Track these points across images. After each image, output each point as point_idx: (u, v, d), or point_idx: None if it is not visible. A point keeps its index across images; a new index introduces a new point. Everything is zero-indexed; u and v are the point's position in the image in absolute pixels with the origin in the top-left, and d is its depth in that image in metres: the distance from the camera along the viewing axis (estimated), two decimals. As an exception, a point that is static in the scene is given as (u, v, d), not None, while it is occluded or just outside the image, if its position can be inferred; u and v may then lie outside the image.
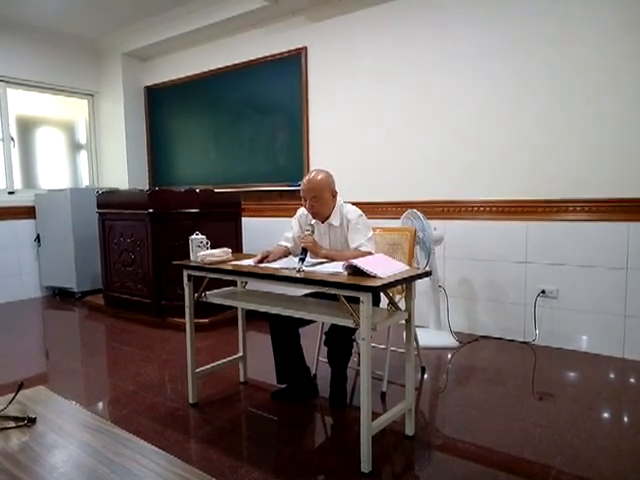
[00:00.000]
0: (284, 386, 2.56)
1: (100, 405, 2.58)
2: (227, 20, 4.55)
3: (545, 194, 3.25)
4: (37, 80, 5.26)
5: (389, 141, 3.93)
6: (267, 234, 4.44)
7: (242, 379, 2.77)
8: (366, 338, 1.79)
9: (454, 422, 2.26)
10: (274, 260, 2.33)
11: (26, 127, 5.36)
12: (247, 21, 4.57)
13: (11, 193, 5.17)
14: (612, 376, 2.83)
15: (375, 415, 1.93)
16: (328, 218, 2.46)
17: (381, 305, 2.33)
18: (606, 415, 2.37)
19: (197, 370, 2.51)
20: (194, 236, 2.45)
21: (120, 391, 2.69)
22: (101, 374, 3.03)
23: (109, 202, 4.43)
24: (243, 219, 4.42)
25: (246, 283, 2.58)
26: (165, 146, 5.68)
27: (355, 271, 1.91)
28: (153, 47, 5.32)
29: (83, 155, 5.92)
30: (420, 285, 3.22)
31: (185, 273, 2.41)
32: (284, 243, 2.51)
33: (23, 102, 5.29)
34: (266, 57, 4.61)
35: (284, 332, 2.44)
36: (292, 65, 4.44)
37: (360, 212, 2.43)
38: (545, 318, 3.31)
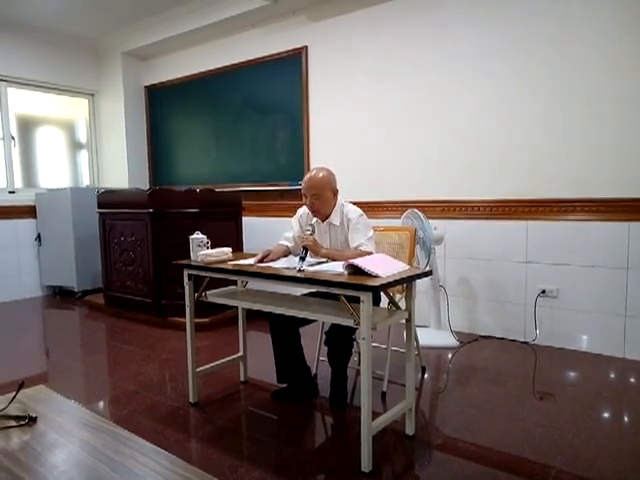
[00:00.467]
0: (284, 386, 2.56)
1: (101, 404, 2.58)
2: (227, 20, 4.55)
3: (545, 194, 3.25)
4: (37, 80, 5.27)
5: (389, 140, 3.93)
6: (267, 233, 4.45)
7: (242, 378, 2.77)
8: (366, 338, 1.79)
9: (454, 422, 2.26)
10: (274, 259, 2.33)
11: (26, 126, 5.37)
12: (247, 20, 4.58)
13: (12, 192, 5.17)
14: (613, 376, 2.83)
15: (375, 415, 1.93)
16: (329, 217, 2.46)
17: (381, 305, 2.33)
18: (606, 415, 2.37)
19: (197, 369, 2.51)
20: (194, 235, 2.45)
21: (120, 390, 2.69)
22: (101, 373, 3.03)
23: (109, 201, 4.43)
24: (243, 218, 4.42)
25: (246, 283, 2.57)
26: (165, 145, 5.68)
27: (355, 270, 1.91)
28: (153, 46, 5.32)
29: (83, 154, 5.92)
30: (420, 285, 3.21)
31: (185, 272, 2.41)
32: (284, 242, 2.51)
33: (23, 101, 5.29)
34: (266, 57, 4.61)
35: (284, 331, 2.44)
36: (292, 65, 4.44)
37: (361, 212, 2.43)
38: (545, 318, 3.31)
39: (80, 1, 4.53)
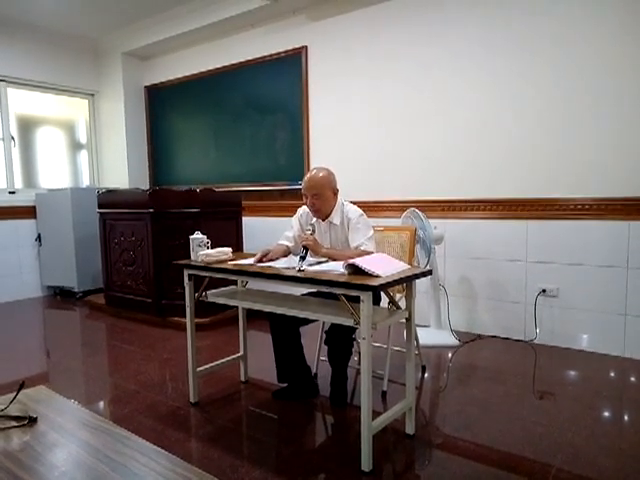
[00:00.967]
0: (285, 385, 2.57)
1: (101, 404, 2.59)
2: (227, 19, 4.55)
3: (546, 193, 3.25)
4: (37, 80, 5.27)
5: (389, 140, 3.93)
6: (268, 233, 4.45)
7: (243, 378, 2.77)
8: (366, 337, 1.80)
9: (454, 421, 2.26)
10: (274, 259, 2.33)
11: (27, 127, 5.37)
12: (247, 20, 4.57)
13: (12, 193, 5.17)
14: (612, 375, 2.83)
15: (376, 414, 1.93)
16: (329, 216, 2.46)
17: (381, 304, 2.33)
18: (606, 414, 2.37)
19: (198, 369, 2.51)
20: (194, 235, 2.46)
21: (121, 390, 2.70)
22: (102, 373, 3.03)
23: (110, 202, 4.43)
24: (244, 218, 4.43)
25: (247, 282, 2.58)
26: (165, 145, 5.68)
27: (355, 270, 1.91)
28: (153, 46, 5.32)
29: (83, 155, 5.92)
30: (420, 284, 3.22)
31: (186, 272, 2.41)
32: (284, 242, 2.51)
33: (23, 102, 5.29)
34: (266, 56, 4.61)
35: (285, 331, 2.45)
36: (292, 64, 4.44)
37: (361, 212, 2.43)
38: (545, 317, 3.31)
39: (80, 1, 4.53)
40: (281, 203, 4.61)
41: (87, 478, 0.98)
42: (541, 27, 3.19)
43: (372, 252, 2.28)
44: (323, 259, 2.29)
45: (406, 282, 2.05)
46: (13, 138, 5.19)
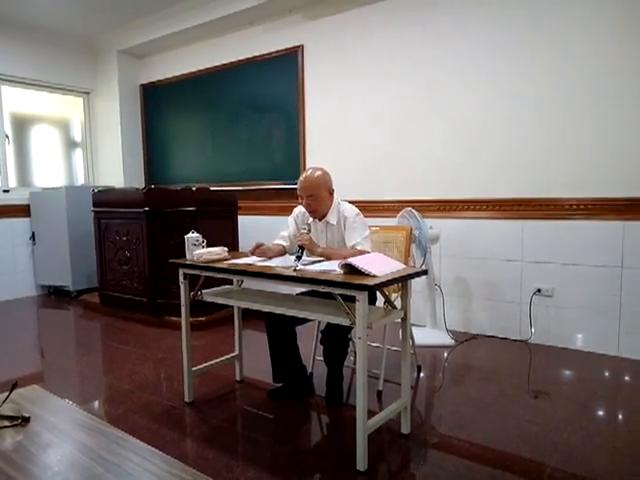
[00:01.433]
0: (280, 385, 2.56)
1: (95, 404, 2.57)
2: (223, 18, 4.54)
3: (541, 193, 3.26)
4: (32, 78, 5.23)
5: (386, 139, 3.93)
6: (263, 232, 4.42)
7: (238, 378, 2.77)
8: (362, 337, 1.79)
9: (450, 420, 2.27)
10: (270, 257, 2.33)
11: (21, 125, 5.33)
12: (244, 19, 4.56)
13: (6, 191, 5.14)
14: (607, 374, 2.84)
15: (371, 413, 1.93)
16: (325, 216, 2.45)
17: (377, 304, 2.33)
18: (601, 413, 2.38)
19: (193, 369, 2.50)
20: (190, 234, 2.45)
21: (116, 390, 2.68)
22: (96, 373, 3.02)
23: (105, 200, 4.41)
24: (240, 217, 4.41)
25: (242, 282, 2.57)
26: (161, 144, 5.66)
27: (351, 269, 1.91)
28: (149, 45, 5.30)
29: (78, 153, 5.89)
30: (416, 284, 3.23)
31: (181, 271, 2.41)
32: (280, 242, 2.51)
33: (18, 100, 5.26)
34: (263, 55, 4.60)
35: (281, 331, 2.44)
36: (288, 63, 4.44)
37: (357, 211, 2.43)
38: (541, 316, 3.32)
39: (75, -1, 4.50)
40: (277, 202, 4.60)
41: (81, 478, 0.98)
42: (541, 27, 3.19)
43: (368, 251, 2.28)
44: (319, 258, 2.29)
45: (402, 282, 2.05)
46: (7, 136, 5.15)
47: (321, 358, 2.51)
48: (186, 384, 2.47)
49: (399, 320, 2.10)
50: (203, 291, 2.43)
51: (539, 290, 3.30)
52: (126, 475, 0.97)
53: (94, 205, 4.48)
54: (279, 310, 2.10)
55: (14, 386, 1.29)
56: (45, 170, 5.54)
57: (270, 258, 2.35)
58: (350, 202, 2.53)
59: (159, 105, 5.62)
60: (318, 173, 2.42)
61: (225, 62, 4.89)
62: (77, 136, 5.86)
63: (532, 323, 3.33)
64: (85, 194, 4.71)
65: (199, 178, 5.15)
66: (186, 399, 2.47)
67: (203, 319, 3.76)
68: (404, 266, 2.15)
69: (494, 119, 3.42)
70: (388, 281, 1.87)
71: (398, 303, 2.14)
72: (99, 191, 4.54)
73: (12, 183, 5.23)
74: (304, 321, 2.36)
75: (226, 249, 2.45)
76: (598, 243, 3.08)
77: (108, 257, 4.42)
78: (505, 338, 3.44)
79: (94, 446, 1.07)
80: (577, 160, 3.13)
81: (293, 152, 4.51)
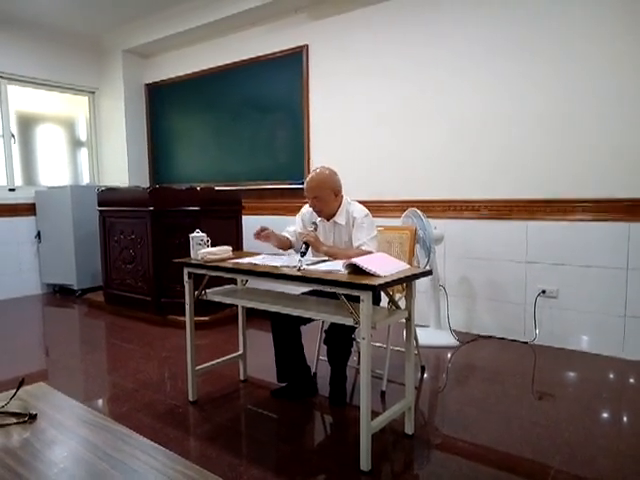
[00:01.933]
0: (284, 384, 2.56)
1: (100, 402, 2.58)
2: (228, 18, 4.55)
3: (546, 194, 3.25)
4: (38, 77, 5.26)
5: (390, 140, 3.93)
6: (267, 232, 4.45)
7: (242, 377, 2.77)
8: (366, 337, 1.79)
9: (453, 421, 2.26)
10: (274, 244, 2.44)
11: (27, 124, 5.36)
12: (249, 19, 4.57)
13: (12, 190, 5.17)
14: (611, 376, 2.83)
15: (375, 414, 1.93)
16: (334, 216, 2.46)
17: (381, 304, 2.33)
18: (605, 415, 2.37)
19: (197, 368, 2.51)
20: (194, 234, 2.45)
21: (120, 388, 2.69)
22: (101, 371, 3.03)
23: (110, 199, 4.43)
24: (244, 217, 4.42)
25: (246, 281, 2.58)
26: (166, 144, 5.67)
27: (355, 269, 1.91)
28: (154, 44, 5.32)
29: (84, 152, 5.92)
30: (420, 284, 3.21)
31: (185, 271, 2.41)
32: (286, 234, 2.53)
33: (24, 99, 5.28)
34: (267, 55, 4.61)
35: (286, 330, 2.44)
36: (293, 63, 4.44)
37: (367, 212, 2.43)
38: (545, 318, 3.31)
39: (81, -1, 4.52)
40: (281, 202, 4.61)
41: (86, 475, 0.98)
42: (542, 27, 3.19)
43: (372, 252, 2.28)
44: (324, 257, 2.29)
45: (406, 282, 2.05)
46: (13, 135, 5.18)
47: (325, 358, 2.51)
48: (190, 383, 2.47)
49: (403, 320, 2.10)
50: (207, 290, 2.43)
51: (544, 291, 3.29)
52: (131, 472, 0.97)
53: (99, 204, 4.49)
54: (284, 310, 2.10)
55: (21, 383, 1.30)
56: (50, 169, 5.57)
57: (274, 245, 2.43)
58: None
59: (164, 104, 5.63)
60: (323, 174, 2.42)
61: (230, 62, 4.90)
62: (82, 135, 5.89)
63: (536, 324, 3.32)
64: (90, 193, 4.73)
65: (204, 178, 5.16)
66: (190, 398, 2.48)
67: (207, 318, 3.77)
68: (408, 266, 2.15)
69: (497, 119, 3.41)
70: (392, 281, 1.86)
71: (402, 303, 2.14)
72: (104, 190, 4.56)
73: (18, 182, 5.26)
74: (308, 321, 2.37)
75: (230, 248, 2.46)
76: (603, 244, 3.07)
77: (113, 256, 4.44)
78: (509, 339, 3.43)
79: (100, 443, 1.07)
80: (581, 160, 3.11)
81: (297, 152, 4.51)
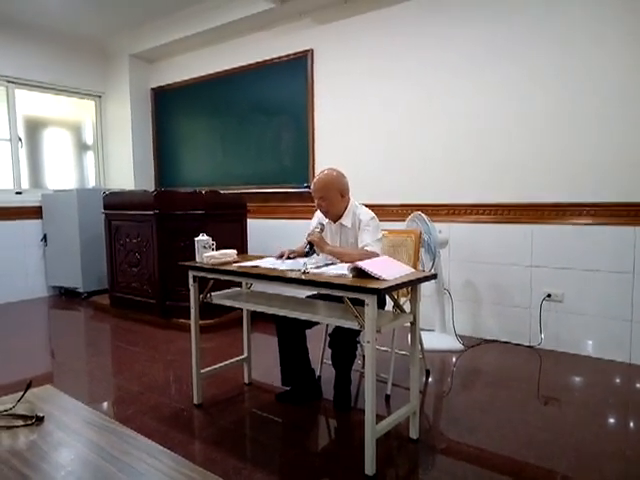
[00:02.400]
0: (288, 388, 2.56)
1: (106, 404, 2.59)
2: (234, 22, 4.57)
3: (551, 197, 3.24)
4: (45, 81, 5.31)
5: (395, 144, 3.94)
6: (272, 235, 4.48)
7: (246, 380, 2.78)
8: (371, 341, 1.79)
9: (458, 425, 2.26)
10: (292, 257, 2.42)
11: (34, 128, 5.40)
12: (254, 23, 4.59)
13: (18, 193, 5.21)
14: (618, 381, 2.82)
15: (379, 418, 1.93)
16: (340, 218, 2.46)
17: (386, 308, 2.33)
18: (612, 420, 2.36)
19: (202, 371, 2.51)
20: (199, 237, 2.46)
21: (125, 391, 2.70)
22: (106, 374, 3.04)
23: (115, 203, 4.45)
24: (249, 220, 4.43)
25: (251, 284, 2.58)
26: (171, 147, 5.70)
27: (360, 273, 1.91)
28: (160, 49, 5.36)
29: (90, 156, 5.96)
30: (425, 288, 3.21)
31: (190, 274, 2.42)
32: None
33: (31, 103, 5.33)
34: (272, 59, 4.63)
35: (291, 333, 2.45)
36: (298, 67, 4.46)
37: (373, 215, 2.44)
38: (551, 322, 3.30)
39: (89, 4, 4.56)
40: (286, 205, 4.62)
41: (93, 478, 0.99)
42: (545, 28, 3.18)
43: (377, 253, 2.28)
44: (331, 260, 2.30)
45: (411, 286, 2.05)
46: (20, 139, 5.22)
47: (329, 361, 2.51)
48: (195, 386, 2.48)
49: (408, 324, 2.10)
50: (212, 294, 2.44)
51: (549, 295, 3.28)
52: (138, 475, 0.98)
53: (105, 207, 4.52)
54: (289, 314, 2.11)
55: (29, 386, 1.30)
56: (57, 172, 5.61)
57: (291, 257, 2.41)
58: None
59: (169, 109, 5.67)
60: (330, 175, 2.43)
61: (235, 66, 4.93)
62: (89, 139, 5.93)
63: (542, 328, 3.31)
64: (96, 196, 4.76)
65: (209, 181, 5.18)
66: (195, 401, 2.48)
67: (212, 322, 3.78)
68: (413, 270, 2.15)
69: (503, 123, 3.40)
70: (397, 285, 1.87)
71: (407, 307, 2.14)
72: (110, 193, 4.59)
73: (25, 185, 5.30)
74: (313, 324, 2.37)
75: (235, 252, 2.46)
76: (609, 248, 3.06)
77: (118, 259, 4.46)
78: (514, 343, 3.41)
79: (106, 446, 1.08)
80: (587, 164, 3.11)
81: (302, 156, 4.52)
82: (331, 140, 4.33)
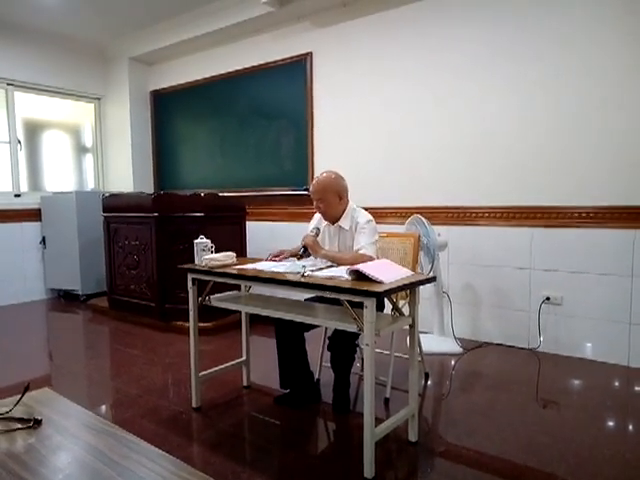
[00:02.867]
0: (287, 391, 2.56)
1: (104, 407, 2.59)
2: (233, 26, 4.58)
3: (550, 201, 3.25)
4: (44, 84, 5.31)
5: (394, 146, 3.94)
6: (271, 238, 4.48)
7: (245, 383, 2.77)
8: (370, 344, 1.79)
9: (457, 428, 2.25)
10: (285, 257, 2.47)
11: (33, 130, 5.40)
12: (253, 27, 4.61)
13: (17, 196, 5.20)
14: (617, 384, 2.82)
15: (378, 421, 1.93)
16: (338, 220, 2.47)
17: (385, 310, 2.33)
18: (611, 424, 2.36)
19: (200, 374, 2.51)
20: (199, 240, 2.46)
21: (123, 394, 2.70)
22: (104, 377, 3.04)
23: (114, 205, 4.45)
24: (248, 223, 4.44)
25: (250, 287, 2.58)
26: (170, 150, 5.71)
27: (359, 276, 1.91)
28: (160, 52, 5.37)
29: (89, 158, 5.96)
30: (424, 291, 3.22)
31: (189, 277, 2.42)
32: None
33: (30, 105, 5.33)
34: (271, 62, 4.64)
35: (290, 336, 2.44)
36: (297, 70, 4.47)
37: (370, 217, 2.44)
38: (549, 325, 3.30)
39: (88, 6, 4.57)
40: (285, 208, 4.62)
41: (91, 481, 0.99)
42: (545, 29, 3.19)
43: (371, 256, 2.28)
44: (329, 263, 2.30)
45: (410, 289, 2.05)
46: (19, 141, 5.22)
47: (328, 364, 2.51)
48: (193, 389, 2.47)
49: (407, 327, 2.10)
50: (211, 296, 2.44)
51: (548, 298, 3.28)
52: (137, 479, 0.97)
53: (104, 210, 4.52)
54: (288, 316, 2.11)
55: (26, 389, 1.30)
56: (56, 175, 5.61)
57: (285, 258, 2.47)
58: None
59: (169, 111, 5.67)
60: (328, 178, 2.44)
61: (234, 69, 4.94)
62: (88, 141, 5.93)
63: (541, 331, 3.31)
64: (95, 199, 4.76)
65: (208, 184, 5.18)
66: (193, 404, 2.48)
67: (211, 324, 3.77)
68: (412, 273, 2.15)
69: (503, 125, 3.41)
70: (396, 288, 1.87)
71: (406, 310, 2.14)
72: (109, 196, 4.59)
73: (23, 187, 5.29)
74: (312, 327, 2.37)
75: (234, 254, 2.46)
76: (608, 251, 3.06)
77: (117, 262, 4.45)
78: (513, 346, 3.41)
79: (105, 449, 1.08)
80: (586, 167, 3.11)
81: (301, 158, 4.53)
82: (330, 143, 4.34)
